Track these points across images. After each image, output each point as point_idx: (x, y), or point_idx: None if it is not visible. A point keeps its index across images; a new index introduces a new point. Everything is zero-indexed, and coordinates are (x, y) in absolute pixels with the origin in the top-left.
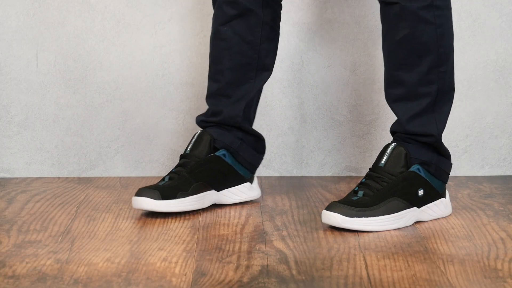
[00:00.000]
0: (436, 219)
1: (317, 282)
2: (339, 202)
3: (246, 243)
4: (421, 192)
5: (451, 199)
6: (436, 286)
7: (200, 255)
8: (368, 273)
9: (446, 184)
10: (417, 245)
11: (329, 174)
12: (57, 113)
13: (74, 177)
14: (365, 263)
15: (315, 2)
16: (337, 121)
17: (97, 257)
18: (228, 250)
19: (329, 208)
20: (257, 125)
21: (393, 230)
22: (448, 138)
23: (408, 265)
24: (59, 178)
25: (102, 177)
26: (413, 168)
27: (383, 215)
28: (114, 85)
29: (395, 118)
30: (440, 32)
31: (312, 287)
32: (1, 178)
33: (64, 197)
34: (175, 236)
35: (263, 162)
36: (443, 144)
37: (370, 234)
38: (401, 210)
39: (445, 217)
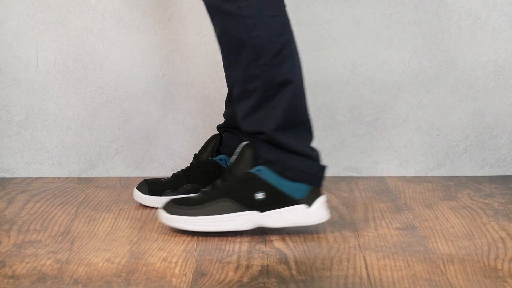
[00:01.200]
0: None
1: (317, 282)
2: (176, 199)
3: (246, 243)
4: (260, 196)
5: (451, 199)
6: (436, 286)
7: (200, 255)
8: (368, 273)
9: (321, 186)
10: (417, 245)
11: (329, 174)
12: (57, 113)
13: (74, 177)
14: (365, 263)
15: (315, 2)
16: (337, 121)
17: (97, 257)
18: (228, 250)
19: (163, 204)
20: None
21: (392, 230)
22: (448, 138)
23: (408, 265)
24: (59, 178)
25: (102, 177)
26: (254, 169)
27: (207, 215)
28: (114, 85)
29: (395, 118)
30: (250, 23)
31: (312, 287)
32: (1, 178)
33: (64, 197)
34: (175, 236)
35: None
36: (290, 141)
37: (370, 234)
38: (231, 212)
39: (309, 224)
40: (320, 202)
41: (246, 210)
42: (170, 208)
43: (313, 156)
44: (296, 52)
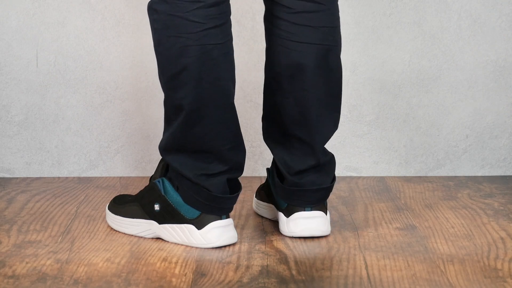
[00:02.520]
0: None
1: (317, 282)
2: (121, 195)
3: (246, 243)
4: (157, 207)
5: (451, 199)
6: (436, 286)
7: (200, 255)
8: (368, 273)
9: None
10: (417, 245)
11: None
12: (57, 113)
13: (74, 177)
14: (365, 263)
15: None
16: None
17: (97, 257)
18: (228, 250)
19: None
20: (257, 125)
21: (392, 230)
22: (448, 138)
23: (408, 265)
24: (59, 178)
25: (102, 177)
26: (157, 179)
27: (120, 216)
28: (114, 85)
29: (395, 118)
30: (156, 38)
31: (312, 287)
32: (1, 178)
33: (64, 197)
34: None
35: (263, 162)
36: (176, 165)
37: (370, 234)
38: (136, 218)
39: (206, 247)
40: (211, 227)
41: (148, 219)
42: (111, 204)
43: (204, 185)
44: (201, 80)
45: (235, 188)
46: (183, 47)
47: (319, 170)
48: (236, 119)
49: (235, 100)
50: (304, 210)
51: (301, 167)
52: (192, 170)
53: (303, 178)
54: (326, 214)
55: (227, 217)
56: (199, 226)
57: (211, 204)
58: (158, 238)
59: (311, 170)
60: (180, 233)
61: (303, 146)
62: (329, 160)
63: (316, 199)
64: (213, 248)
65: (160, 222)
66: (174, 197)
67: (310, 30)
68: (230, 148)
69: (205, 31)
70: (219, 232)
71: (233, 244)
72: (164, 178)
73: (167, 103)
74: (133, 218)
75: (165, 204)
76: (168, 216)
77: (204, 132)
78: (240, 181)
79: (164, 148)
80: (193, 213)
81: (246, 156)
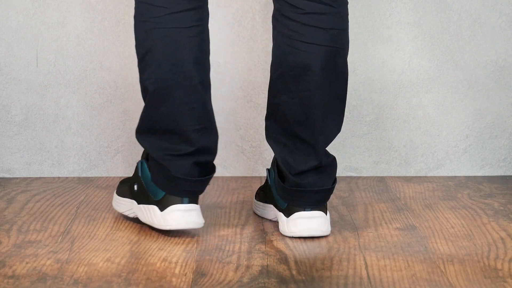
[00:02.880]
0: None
1: (317, 282)
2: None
3: (246, 243)
4: (135, 187)
5: (451, 199)
6: (436, 286)
7: (200, 255)
8: (368, 273)
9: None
10: (417, 245)
11: None
12: (57, 113)
13: (74, 177)
14: (365, 263)
15: None
16: None
17: (97, 257)
18: (228, 250)
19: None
20: (257, 125)
21: (392, 230)
22: (448, 138)
23: (408, 265)
24: (59, 178)
25: (102, 177)
26: (139, 161)
27: (116, 194)
28: (114, 85)
29: (395, 118)
30: (133, 23)
31: (312, 287)
32: (1, 178)
33: (64, 197)
34: (175, 236)
35: (263, 162)
36: (145, 145)
37: (370, 234)
38: (125, 197)
39: (162, 229)
40: (172, 209)
41: (131, 198)
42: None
43: (167, 165)
44: (164, 62)
45: (205, 172)
46: (148, 30)
47: (320, 172)
48: (204, 101)
49: (235, 100)
50: (304, 210)
51: (303, 167)
52: (159, 151)
53: (305, 178)
54: (326, 214)
55: (193, 201)
56: (162, 208)
57: (171, 184)
58: (158, 238)
59: (313, 171)
60: (148, 214)
61: (306, 147)
62: (331, 162)
63: (317, 200)
64: (213, 248)
65: (138, 202)
66: (147, 178)
67: (319, 31)
68: (196, 130)
69: (170, 15)
70: (179, 215)
71: (233, 244)
72: (143, 160)
73: (140, 84)
74: (123, 197)
75: (140, 184)
76: (142, 196)
77: (168, 113)
78: (214, 167)
79: (137, 129)
80: (159, 194)
81: (246, 156)
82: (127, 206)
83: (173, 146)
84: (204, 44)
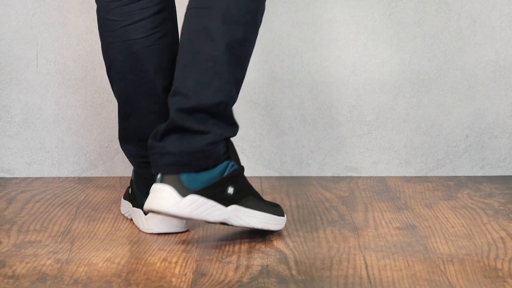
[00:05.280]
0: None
1: (317, 282)
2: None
3: (246, 243)
4: (130, 190)
5: (451, 199)
6: (436, 286)
7: (200, 255)
8: (368, 273)
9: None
10: (417, 245)
11: (329, 174)
12: (57, 113)
13: (74, 177)
14: (365, 263)
15: (315, 2)
16: (337, 121)
17: (97, 257)
18: (228, 250)
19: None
20: (257, 125)
21: (392, 229)
22: (448, 138)
23: (408, 265)
24: (59, 178)
25: (102, 177)
26: None
27: (123, 196)
28: None
29: (395, 118)
30: None
31: (312, 287)
32: (1, 178)
33: (64, 197)
34: (175, 236)
35: (263, 162)
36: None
37: (370, 234)
38: (125, 200)
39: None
40: (153, 214)
41: (128, 201)
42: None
43: (143, 173)
44: (126, 74)
45: None
46: (108, 44)
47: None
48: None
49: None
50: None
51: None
52: (136, 158)
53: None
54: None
55: None
56: (146, 212)
57: (148, 190)
58: (158, 238)
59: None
60: (136, 217)
61: None
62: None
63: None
64: (212, 248)
65: (133, 205)
66: (135, 182)
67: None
68: None
69: (124, 28)
70: (160, 219)
71: (233, 244)
72: None
73: None
74: (124, 199)
75: (132, 188)
76: (133, 199)
77: (138, 123)
78: None
79: (118, 137)
80: (142, 198)
81: (246, 156)
82: (126, 208)
83: (147, 154)
84: (166, 48)
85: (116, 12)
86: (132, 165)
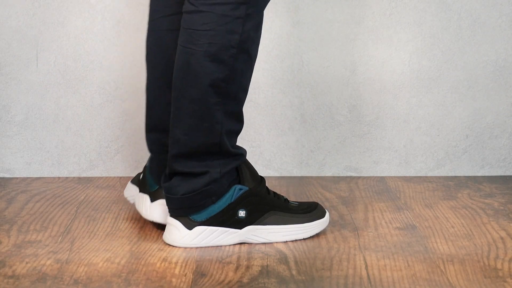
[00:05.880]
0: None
1: (317, 282)
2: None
3: (246, 243)
4: (141, 176)
5: (451, 199)
6: (436, 286)
7: (200, 255)
8: (368, 273)
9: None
10: (417, 245)
11: (329, 174)
12: (57, 113)
13: (74, 177)
14: (365, 263)
15: (315, 2)
16: (337, 121)
17: (97, 257)
18: (228, 250)
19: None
20: (257, 125)
21: (392, 230)
22: (448, 138)
23: (408, 265)
24: (59, 178)
25: (102, 177)
26: None
27: (130, 181)
28: (114, 85)
29: (395, 118)
30: None
31: (312, 287)
32: (1, 178)
33: (64, 197)
34: None
35: (263, 162)
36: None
37: (370, 234)
38: (134, 184)
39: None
40: (160, 203)
41: (136, 186)
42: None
43: (163, 159)
44: (156, 65)
45: None
46: (148, 32)
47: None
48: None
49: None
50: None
51: None
52: (159, 146)
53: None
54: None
55: None
56: (152, 199)
57: (160, 177)
58: (158, 238)
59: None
60: (140, 202)
61: None
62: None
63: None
64: (212, 248)
65: (139, 191)
66: (147, 168)
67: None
68: None
69: (162, 18)
70: (163, 210)
71: (233, 244)
72: None
73: None
74: (132, 183)
75: (144, 174)
76: (142, 185)
77: (160, 113)
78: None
79: (145, 127)
80: (154, 186)
81: (246, 156)
82: (131, 192)
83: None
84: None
85: (160, 3)
86: (152, 153)
